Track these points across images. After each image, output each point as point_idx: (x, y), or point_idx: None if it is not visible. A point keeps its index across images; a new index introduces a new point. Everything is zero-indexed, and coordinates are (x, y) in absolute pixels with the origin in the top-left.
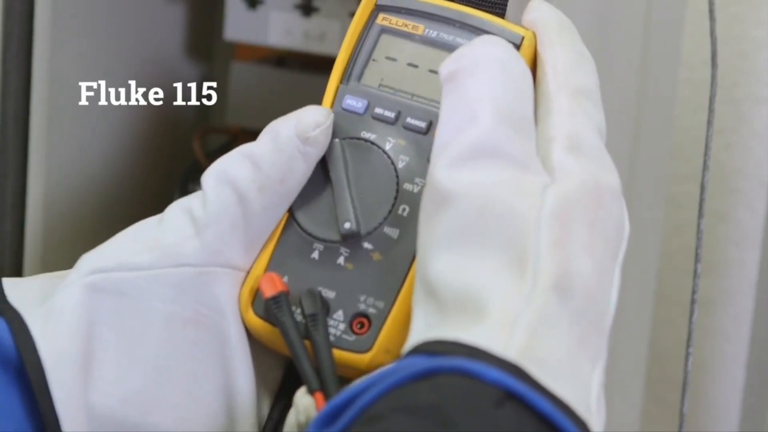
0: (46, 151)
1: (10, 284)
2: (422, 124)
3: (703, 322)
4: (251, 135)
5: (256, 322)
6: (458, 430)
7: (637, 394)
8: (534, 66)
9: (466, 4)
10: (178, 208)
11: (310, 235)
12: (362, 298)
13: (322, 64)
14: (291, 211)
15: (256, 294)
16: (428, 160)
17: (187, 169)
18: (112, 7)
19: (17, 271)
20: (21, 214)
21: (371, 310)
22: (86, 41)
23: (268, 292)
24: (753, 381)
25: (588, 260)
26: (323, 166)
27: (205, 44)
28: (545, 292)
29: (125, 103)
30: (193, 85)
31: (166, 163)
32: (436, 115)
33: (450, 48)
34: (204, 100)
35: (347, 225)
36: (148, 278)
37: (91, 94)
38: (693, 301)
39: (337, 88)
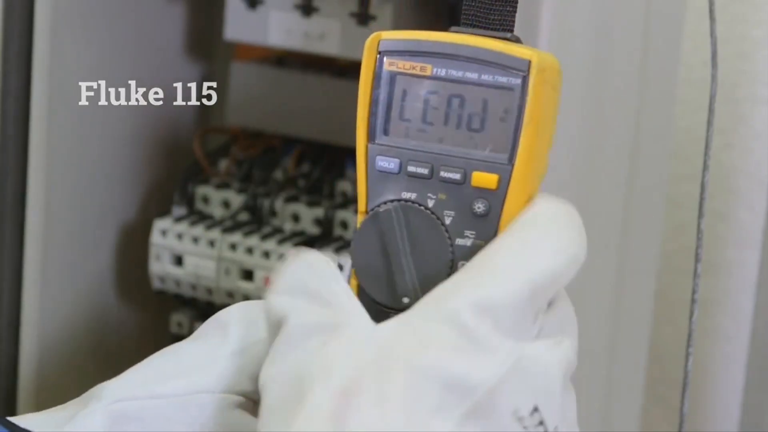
0: (46, 151)
1: (26, 420)
2: (457, 176)
3: (703, 322)
4: (251, 135)
5: None
6: None
7: (637, 394)
8: (552, 88)
9: (474, 31)
10: (197, 343)
11: (380, 304)
12: None
13: (322, 64)
14: (359, 280)
15: None
16: (471, 210)
17: (187, 169)
18: (112, 7)
19: (17, 271)
20: (21, 214)
21: None
22: (86, 41)
23: None
24: (753, 381)
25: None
26: (379, 233)
27: (205, 44)
28: None
29: (125, 103)
30: (193, 85)
31: (166, 163)
32: (467, 163)
33: (461, 83)
34: (204, 100)
35: (405, 300)
36: (171, 405)
37: (91, 94)
38: (693, 301)
39: (367, 148)
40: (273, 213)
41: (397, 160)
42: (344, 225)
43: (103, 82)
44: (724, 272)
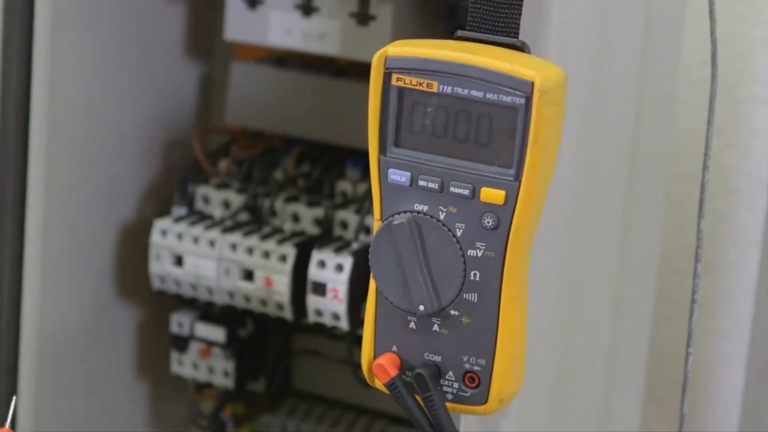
0: (46, 151)
1: None
2: (466, 191)
3: (703, 322)
4: (251, 135)
5: (379, 385)
6: None
7: (637, 394)
8: (557, 103)
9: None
10: None
11: (401, 309)
12: (465, 358)
13: (322, 64)
14: (378, 287)
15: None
16: (480, 223)
17: (187, 169)
18: (112, 7)
19: (17, 271)
20: (21, 214)
21: (476, 368)
22: (86, 41)
23: (383, 378)
24: (753, 381)
25: None
26: (393, 243)
27: (205, 44)
28: None
29: (125, 103)
30: (193, 85)
31: (166, 163)
32: (476, 179)
33: (468, 101)
34: (204, 100)
35: (421, 308)
36: None
37: (91, 94)
38: (693, 301)
39: (379, 160)
40: (273, 213)
41: (408, 174)
42: (344, 225)
43: (103, 82)
44: (724, 272)
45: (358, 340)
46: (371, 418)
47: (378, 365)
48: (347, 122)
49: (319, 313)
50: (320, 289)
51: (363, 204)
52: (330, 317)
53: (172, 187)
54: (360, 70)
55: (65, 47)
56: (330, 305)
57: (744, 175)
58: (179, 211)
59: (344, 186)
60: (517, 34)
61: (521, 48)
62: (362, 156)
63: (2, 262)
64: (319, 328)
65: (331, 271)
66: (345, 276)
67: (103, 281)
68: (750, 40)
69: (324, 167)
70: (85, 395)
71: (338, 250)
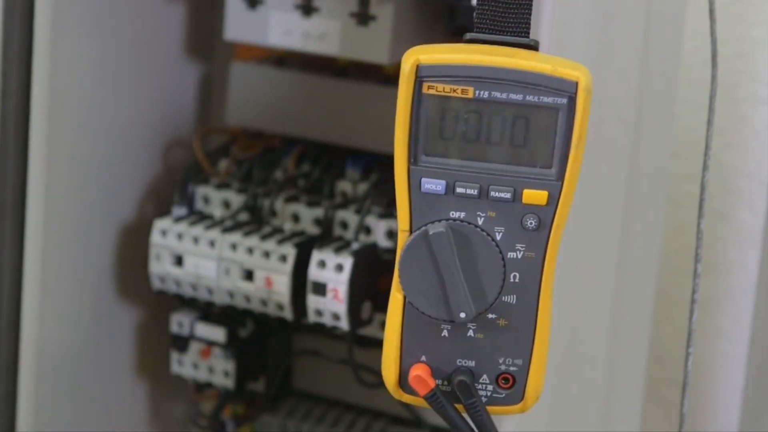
0: (46, 151)
1: None
2: (508, 195)
3: (703, 322)
4: (251, 135)
5: (407, 398)
6: None
7: (637, 394)
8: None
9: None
10: None
11: (435, 318)
12: (501, 360)
13: (322, 64)
14: (406, 298)
15: (399, 377)
16: (521, 224)
17: (187, 169)
18: (112, 7)
19: (17, 271)
20: (21, 214)
21: (512, 368)
22: (86, 41)
23: (423, 390)
24: (753, 381)
25: None
26: (430, 252)
27: (205, 44)
28: None
29: (125, 103)
30: (192, 85)
31: (166, 163)
32: (517, 181)
33: (506, 105)
34: (204, 100)
35: (462, 315)
36: None
37: (91, 94)
38: (693, 301)
39: (408, 170)
40: (273, 213)
41: (443, 182)
42: (344, 225)
43: (102, 82)
44: (724, 272)
45: (358, 340)
46: (371, 418)
47: (417, 377)
48: (347, 122)
49: (319, 313)
50: (320, 289)
51: (363, 204)
52: (330, 317)
53: (172, 187)
54: (360, 70)
55: (65, 47)
56: (330, 305)
57: (744, 175)
58: (179, 211)
59: (344, 186)
60: (528, 33)
61: (535, 47)
62: (362, 156)
63: (2, 262)
64: (319, 328)
65: (331, 271)
66: (345, 276)
67: (103, 281)
68: (750, 40)
69: (324, 167)
70: (85, 395)
71: (338, 250)
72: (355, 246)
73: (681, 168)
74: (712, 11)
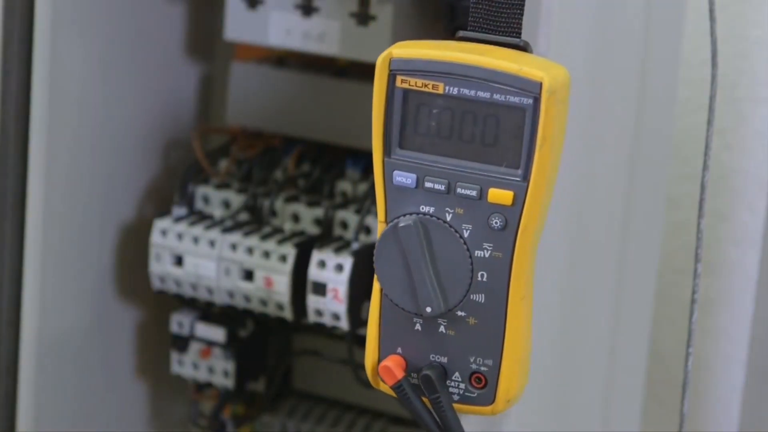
0: (46, 151)
1: None
2: (474, 193)
3: (703, 322)
4: (251, 135)
5: (383, 387)
6: None
7: (637, 394)
8: (562, 103)
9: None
10: None
11: (407, 311)
12: (472, 359)
13: (322, 64)
14: (382, 289)
15: (376, 366)
16: (488, 224)
17: (187, 169)
18: (112, 7)
19: (17, 271)
20: (21, 214)
21: (483, 369)
22: (86, 41)
23: (390, 381)
24: (753, 381)
25: None
26: (399, 245)
27: (205, 44)
28: None
29: (125, 103)
30: (192, 85)
31: (166, 163)
32: (483, 180)
33: (474, 102)
34: (204, 100)
35: (428, 310)
36: None
37: (91, 94)
38: (693, 301)
39: (383, 162)
40: (273, 213)
41: (413, 176)
42: (344, 225)
43: (103, 82)
44: (724, 272)
45: (358, 340)
46: (371, 418)
47: (384, 367)
48: (347, 122)
49: (319, 313)
50: (320, 289)
51: (363, 204)
52: (330, 317)
53: (172, 187)
54: (360, 70)
55: (65, 47)
56: (330, 305)
57: (744, 175)
58: (179, 211)
59: (344, 186)
60: (520, 33)
61: (524, 48)
62: (362, 156)
63: (2, 262)
64: (319, 328)
65: (331, 271)
66: (345, 276)
67: (103, 281)
68: (750, 40)
69: (324, 167)
70: (85, 395)
71: (338, 250)
72: (355, 246)
73: (681, 168)
74: (712, 11)
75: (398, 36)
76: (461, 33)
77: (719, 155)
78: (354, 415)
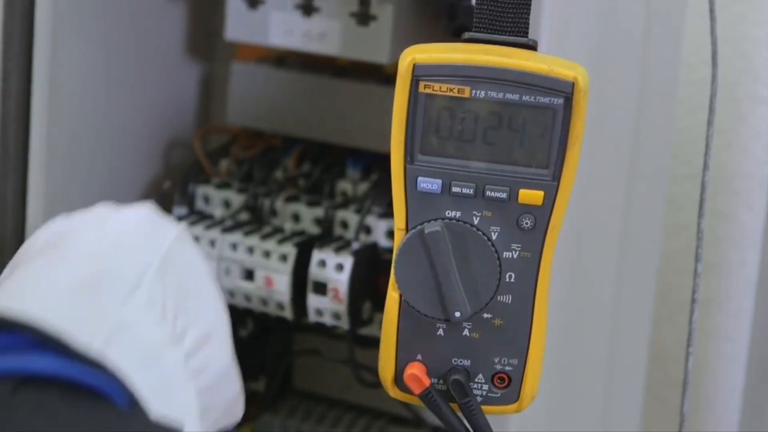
0: (46, 151)
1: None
2: (504, 195)
3: (703, 322)
4: (251, 135)
5: (402, 395)
6: None
7: (637, 394)
8: (587, 101)
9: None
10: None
11: (430, 317)
12: (496, 359)
13: (323, 64)
14: (402, 297)
15: (395, 375)
16: (517, 224)
17: (187, 169)
18: (112, 6)
19: None
20: (21, 214)
21: (508, 368)
22: (86, 41)
23: (417, 389)
24: (753, 381)
25: None
26: (426, 251)
27: (205, 44)
28: None
29: (126, 103)
30: (193, 85)
31: (166, 163)
32: (513, 181)
33: (502, 104)
34: (204, 100)
35: (457, 314)
36: None
37: (92, 94)
38: (693, 301)
39: (405, 168)
40: (273, 213)
41: (439, 181)
42: (344, 225)
43: (103, 82)
44: (724, 272)
45: (359, 339)
46: (371, 418)
47: (412, 376)
48: (347, 122)
49: (319, 312)
50: (321, 288)
51: (363, 204)
52: (330, 317)
53: (172, 187)
54: (360, 70)
55: (66, 47)
56: (330, 305)
57: (744, 175)
58: (179, 210)
59: (344, 186)
60: (527, 33)
61: (533, 47)
62: (362, 156)
63: (3, 262)
64: (320, 328)
65: (332, 270)
66: (345, 275)
67: None
68: (750, 40)
69: (324, 167)
70: None
71: (339, 250)
72: (355, 246)
73: (681, 168)
74: (712, 11)
75: (398, 36)
76: (467, 34)
77: (719, 155)
78: (354, 415)
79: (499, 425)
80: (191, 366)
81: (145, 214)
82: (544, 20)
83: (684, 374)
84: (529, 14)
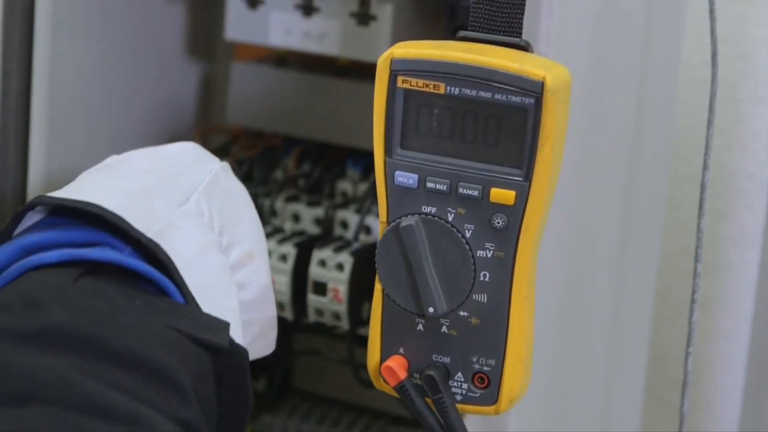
0: (46, 151)
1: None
2: (476, 193)
3: (703, 322)
4: (251, 135)
5: (386, 387)
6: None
7: (637, 394)
8: (564, 102)
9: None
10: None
11: (409, 311)
12: (474, 359)
13: (323, 64)
14: (384, 289)
15: (379, 367)
16: (489, 223)
17: None
18: (112, 7)
19: None
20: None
21: (486, 368)
22: (86, 41)
23: (393, 381)
24: (753, 381)
25: None
26: (401, 245)
27: (205, 44)
28: None
29: (125, 104)
30: (193, 85)
31: None
32: (485, 180)
33: (476, 102)
34: (204, 100)
35: (431, 310)
36: None
37: (92, 94)
38: (693, 301)
39: (385, 162)
40: (273, 212)
41: (415, 176)
42: (344, 224)
43: (103, 82)
44: (724, 272)
45: (359, 339)
46: (371, 418)
47: (387, 368)
48: (347, 122)
49: (319, 312)
50: (321, 288)
51: (363, 204)
52: (330, 317)
53: None
54: (360, 70)
55: (66, 47)
56: (330, 305)
57: (744, 175)
58: None
59: (344, 186)
60: (521, 33)
61: (525, 47)
62: (362, 156)
63: None
64: (320, 328)
65: (332, 270)
66: (345, 275)
67: None
68: (750, 40)
69: (324, 167)
70: None
71: (338, 250)
72: (355, 245)
73: (681, 168)
74: (712, 11)
75: (398, 36)
76: (462, 33)
77: (719, 155)
78: (354, 415)
79: (499, 425)
80: (235, 279)
81: (192, 145)
82: (544, 21)
83: (684, 374)
84: (523, 15)
